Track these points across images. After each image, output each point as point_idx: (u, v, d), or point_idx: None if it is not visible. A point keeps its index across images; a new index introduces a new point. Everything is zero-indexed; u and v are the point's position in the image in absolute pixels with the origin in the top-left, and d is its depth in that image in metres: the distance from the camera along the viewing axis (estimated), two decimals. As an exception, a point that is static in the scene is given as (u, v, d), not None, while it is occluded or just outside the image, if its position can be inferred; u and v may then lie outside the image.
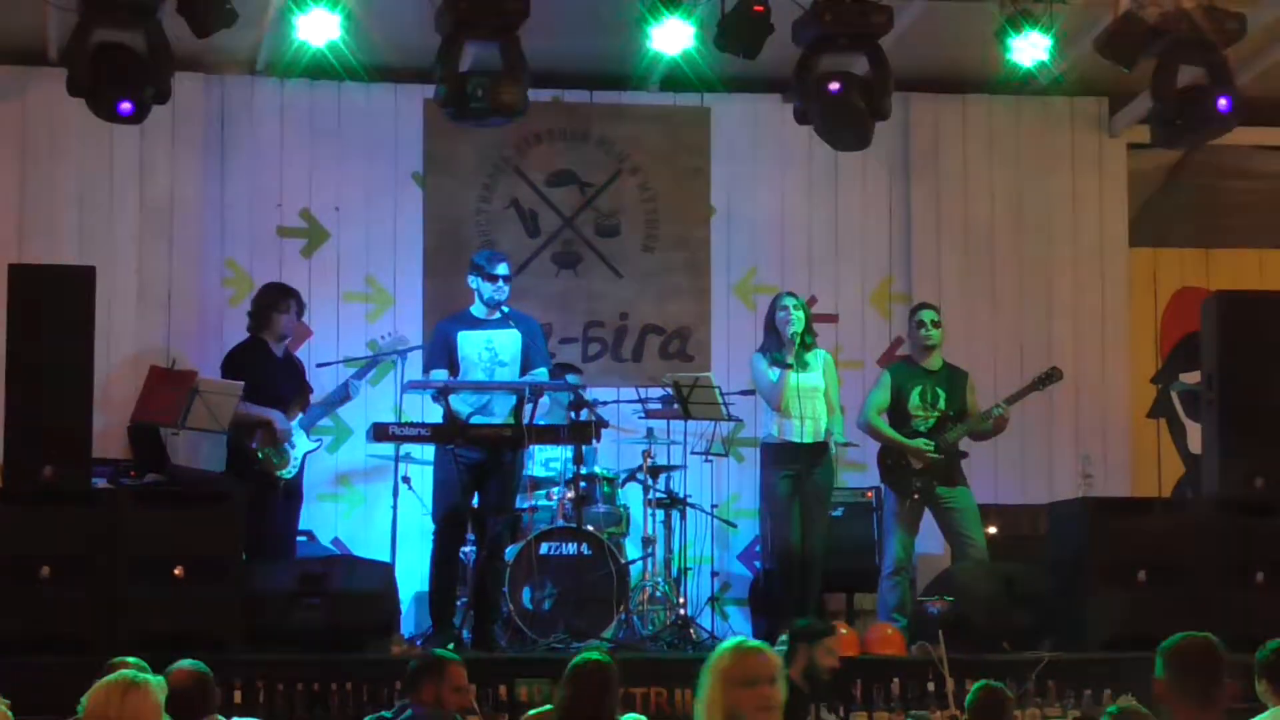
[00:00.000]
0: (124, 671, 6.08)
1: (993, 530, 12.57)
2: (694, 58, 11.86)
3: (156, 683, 5.96)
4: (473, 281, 11.58)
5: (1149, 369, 14.45)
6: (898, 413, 12.02)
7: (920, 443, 11.85)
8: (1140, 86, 12.25)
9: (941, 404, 11.98)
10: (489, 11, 11.08)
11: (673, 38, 11.56)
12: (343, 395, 12.22)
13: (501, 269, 11.56)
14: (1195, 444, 13.49)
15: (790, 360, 11.60)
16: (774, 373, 11.65)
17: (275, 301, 12.14)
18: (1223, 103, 11.35)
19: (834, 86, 11.15)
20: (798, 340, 11.59)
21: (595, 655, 7.22)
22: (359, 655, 10.45)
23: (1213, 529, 11.37)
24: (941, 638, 10.30)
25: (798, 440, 11.60)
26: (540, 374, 11.50)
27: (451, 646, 10.34)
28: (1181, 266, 14.56)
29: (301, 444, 12.00)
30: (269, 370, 11.99)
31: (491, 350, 11.49)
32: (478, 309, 11.59)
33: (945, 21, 12.35)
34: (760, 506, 12.22)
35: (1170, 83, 11.55)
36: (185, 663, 7.03)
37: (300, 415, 12.02)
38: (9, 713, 5.91)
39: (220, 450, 12.09)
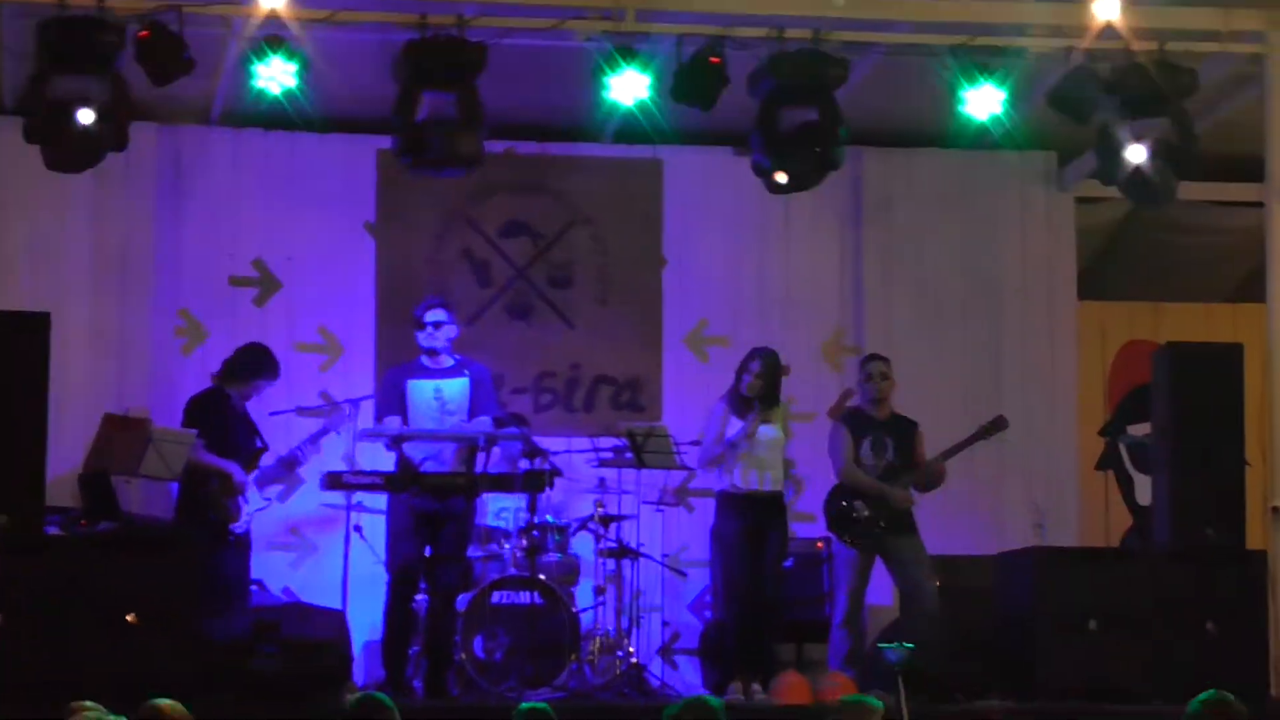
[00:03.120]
0: (90, 714, 6.05)
1: (937, 584, 12.58)
2: (648, 109, 11.80)
3: (130, 722, 5.95)
4: (416, 335, 11.58)
5: (1097, 421, 14.54)
6: (848, 463, 12.00)
7: (897, 491, 11.79)
8: (1089, 141, 12.33)
9: (890, 454, 11.94)
10: (447, 62, 11.16)
11: (628, 88, 11.56)
12: (292, 459, 12.25)
13: (434, 315, 11.51)
14: (1142, 495, 13.59)
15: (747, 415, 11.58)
16: (731, 424, 11.61)
17: (262, 369, 12.14)
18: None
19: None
20: (755, 397, 11.55)
21: (535, 705, 7.21)
22: (313, 703, 10.40)
23: (1164, 578, 11.43)
24: (901, 683, 10.28)
25: (756, 489, 11.59)
26: (483, 422, 11.45)
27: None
28: (1130, 320, 14.68)
29: (253, 500, 11.99)
30: (230, 422, 11.97)
31: (440, 399, 11.47)
32: (426, 358, 11.58)
33: (898, 75, 12.37)
34: (712, 556, 12.21)
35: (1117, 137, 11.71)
36: (163, 700, 6.97)
37: (255, 472, 12.03)
38: None
39: (169, 499, 12.07)
